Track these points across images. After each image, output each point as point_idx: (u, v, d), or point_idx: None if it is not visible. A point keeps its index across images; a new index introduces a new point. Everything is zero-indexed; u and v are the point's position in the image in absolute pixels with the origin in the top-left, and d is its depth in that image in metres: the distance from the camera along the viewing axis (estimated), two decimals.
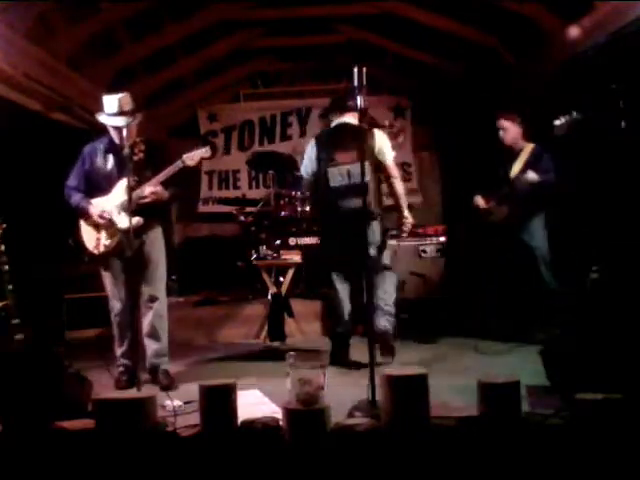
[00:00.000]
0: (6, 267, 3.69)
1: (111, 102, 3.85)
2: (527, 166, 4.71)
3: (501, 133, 4.91)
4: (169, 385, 3.91)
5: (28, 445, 2.66)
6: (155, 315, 4.05)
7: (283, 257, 5.50)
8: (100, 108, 3.95)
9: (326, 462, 2.53)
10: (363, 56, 6.85)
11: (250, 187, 8.23)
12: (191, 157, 4.01)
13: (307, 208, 5.93)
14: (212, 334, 5.74)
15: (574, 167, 4.85)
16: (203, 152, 4.07)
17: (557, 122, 4.28)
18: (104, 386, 3.63)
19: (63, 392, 3.01)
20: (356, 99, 3.31)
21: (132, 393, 3.03)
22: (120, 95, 3.88)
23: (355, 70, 3.25)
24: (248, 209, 6.38)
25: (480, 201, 5.13)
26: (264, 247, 5.55)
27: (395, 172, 4.61)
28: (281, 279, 5.64)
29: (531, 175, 4.57)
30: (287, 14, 6.59)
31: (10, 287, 3.68)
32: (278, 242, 5.53)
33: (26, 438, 2.70)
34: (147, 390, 3.24)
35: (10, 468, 2.60)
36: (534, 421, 2.72)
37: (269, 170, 6.47)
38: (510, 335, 4.73)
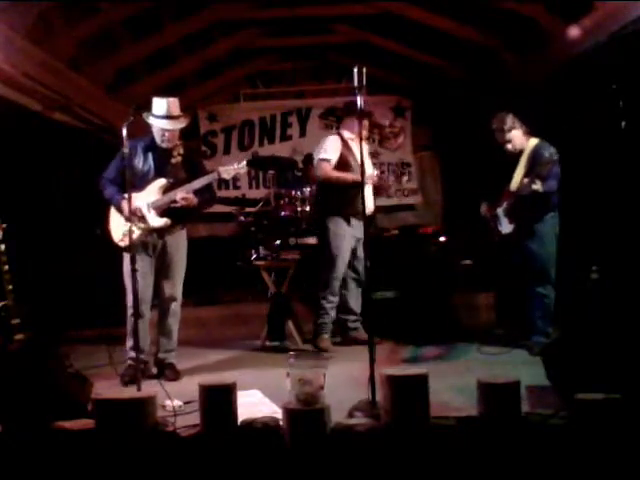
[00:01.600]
0: (6, 267, 3.70)
1: (160, 104, 4.04)
2: (530, 172, 4.34)
3: (509, 147, 4.51)
4: (175, 378, 4.13)
5: (28, 445, 2.66)
6: (171, 314, 4.26)
7: (283, 257, 5.49)
8: (100, 108, 3.97)
9: (326, 462, 2.53)
10: (363, 56, 6.85)
11: (250, 187, 8.23)
12: (227, 171, 4.18)
13: (307, 208, 5.94)
14: (212, 334, 5.74)
15: (572, 169, 4.81)
16: (239, 168, 4.21)
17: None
18: (104, 386, 3.63)
19: (63, 392, 3.01)
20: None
21: (132, 393, 3.03)
22: (170, 99, 4.09)
23: (355, 70, 3.25)
24: (248, 209, 6.38)
25: (484, 209, 4.81)
26: (264, 247, 5.54)
27: (317, 172, 5.05)
28: (281, 279, 5.63)
29: (535, 186, 4.21)
30: (287, 14, 6.59)
31: (10, 287, 3.68)
32: (278, 242, 5.52)
33: (26, 438, 2.70)
34: (150, 387, 3.24)
35: (10, 468, 2.60)
36: (534, 421, 2.72)
37: (269, 170, 6.48)
38: (512, 336, 4.72)
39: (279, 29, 7.13)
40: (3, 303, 3.68)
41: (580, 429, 2.53)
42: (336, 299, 5.01)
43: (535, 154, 4.42)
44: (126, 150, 3.58)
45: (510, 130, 4.49)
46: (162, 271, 4.22)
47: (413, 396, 2.67)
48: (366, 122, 4.92)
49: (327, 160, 4.94)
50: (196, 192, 4.15)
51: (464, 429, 2.65)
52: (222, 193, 8.02)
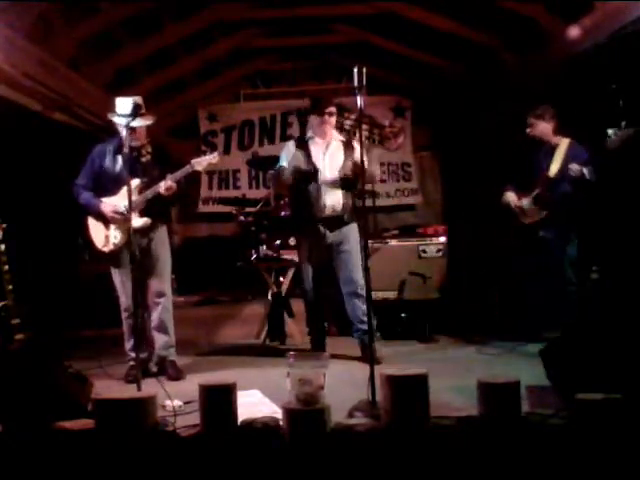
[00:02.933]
0: (6, 267, 3.69)
1: (123, 103, 3.94)
2: (567, 162, 4.55)
3: (528, 129, 4.79)
4: (177, 376, 4.12)
5: (28, 445, 2.66)
6: (163, 310, 4.23)
7: (283, 257, 5.49)
8: (100, 108, 3.96)
9: (326, 462, 2.53)
10: (363, 56, 6.85)
11: (250, 187, 8.24)
12: (200, 162, 4.12)
13: None
14: (212, 334, 5.74)
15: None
16: (211, 158, 4.17)
17: (610, 132, 4.22)
18: (104, 386, 3.63)
19: (63, 392, 3.01)
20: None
21: (132, 393, 3.03)
22: (133, 98, 3.98)
23: (355, 70, 3.25)
24: (248, 209, 6.38)
25: (512, 197, 4.89)
26: (264, 247, 5.54)
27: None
28: (281, 279, 5.64)
29: (575, 167, 4.41)
30: (287, 14, 6.60)
31: (10, 287, 3.68)
32: (278, 242, 5.52)
33: (26, 438, 2.70)
34: (150, 387, 3.24)
35: (10, 468, 2.60)
36: (534, 421, 2.72)
37: (269, 170, 6.47)
38: (512, 335, 4.72)
39: (279, 29, 7.14)
40: (3, 303, 3.68)
41: (580, 429, 2.53)
42: (312, 310, 4.71)
43: (573, 147, 4.62)
44: (126, 150, 3.57)
45: (537, 118, 4.76)
46: (149, 269, 4.21)
47: (413, 396, 2.67)
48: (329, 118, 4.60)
49: (276, 170, 4.71)
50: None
51: (464, 429, 2.65)
52: (222, 193, 8.06)
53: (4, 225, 3.76)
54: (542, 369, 3.27)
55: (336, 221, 4.52)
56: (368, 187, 4.76)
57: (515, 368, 3.87)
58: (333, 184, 4.52)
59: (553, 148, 4.72)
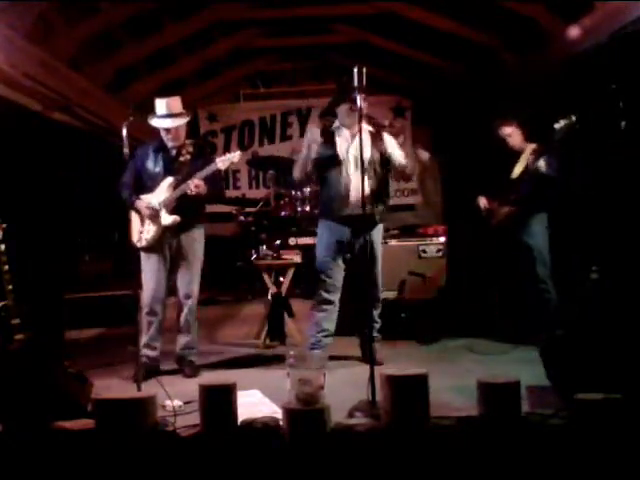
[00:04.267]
0: (6, 267, 3.69)
1: (160, 104, 4.13)
2: (532, 162, 4.68)
3: (508, 140, 4.93)
4: (192, 375, 4.19)
5: (28, 445, 2.66)
6: (189, 311, 4.32)
7: (283, 257, 5.50)
8: (100, 108, 3.97)
9: (326, 462, 2.53)
10: (363, 56, 6.85)
11: (250, 187, 8.25)
12: (223, 160, 4.19)
13: (307, 208, 5.89)
14: (212, 334, 5.73)
15: (574, 168, 4.85)
16: (233, 157, 4.22)
17: (556, 125, 4.33)
18: (104, 386, 3.63)
19: (63, 392, 3.01)
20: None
21: (132, 393, 3.03)
22: (169, 98, 4.17)
23: (355, 70, 3.25)
24: (248, 209, 6.39)
25: (483, 201, 5.10)
26: (264, 247, 5.54)
27: None
28: (281, 279, 5.63)
29: (539, 164, 4.57)
30: (287, 14, 6.60)
31: (10, 287, 3.68)
32: (278, 242, 5.52)
33: (26, 438, 2.70)
34: (150, 387, 3.24)
35: (10, 468, 2.60)
36: (534, 421, 2.72)
37: (269, 170, 6.48)
38: (512, 335, 4.72)
39: (279, 29, 7.14)
40: (3, 303, 3.68)
41: (580, 429, 2.53)
42: (322, 314, 4.37)
43: (537, 150, 4.69)
44: (126, 151, 3.59)
45: (512, 126, 4.94)
46: (178, 269, 4.30)
47: (413, 396, 2.67)
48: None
49: (296, 160, 4.48)
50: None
51: (464, 429, 2.65)
52: None
53: (4, 225, 3.75)
54: (542, 369, 3.27)
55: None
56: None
57: (515, 368, 3.86)
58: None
59: (519, 155, 4.90)
